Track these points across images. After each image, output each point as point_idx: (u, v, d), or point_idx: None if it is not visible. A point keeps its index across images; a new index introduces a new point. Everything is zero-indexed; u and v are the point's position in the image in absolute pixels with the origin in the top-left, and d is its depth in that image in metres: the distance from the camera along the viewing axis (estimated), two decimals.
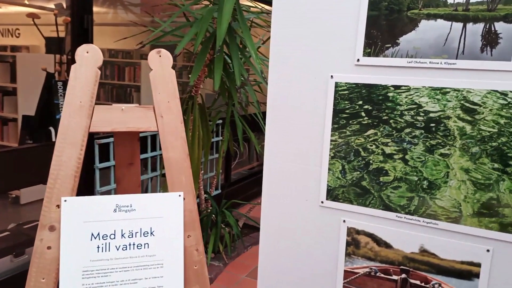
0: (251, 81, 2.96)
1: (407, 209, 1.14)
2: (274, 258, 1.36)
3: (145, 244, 1.16)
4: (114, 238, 1.14)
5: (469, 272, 1.10)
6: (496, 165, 1.03)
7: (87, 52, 1.18)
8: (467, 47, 1.02)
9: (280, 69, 1.26)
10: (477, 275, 1.09)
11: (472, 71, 1.02)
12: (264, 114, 3.52)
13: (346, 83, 1.16)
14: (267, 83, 2.72)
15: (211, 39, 2.60)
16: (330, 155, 1.21)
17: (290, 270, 1.33)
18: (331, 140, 1.20)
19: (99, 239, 1.13)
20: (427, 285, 1.16)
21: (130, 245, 1.16)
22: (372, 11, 1.11)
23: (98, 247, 1.12)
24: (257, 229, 4.01)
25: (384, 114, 1.13)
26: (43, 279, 1.10)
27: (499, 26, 0.99)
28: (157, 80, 1.22)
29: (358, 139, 1.17)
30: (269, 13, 3.53)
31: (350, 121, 1.17)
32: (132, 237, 1.16)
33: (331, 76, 1.18)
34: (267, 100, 1.29)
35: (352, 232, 1.22)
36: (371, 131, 1.15)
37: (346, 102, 1.17)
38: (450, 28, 1.03)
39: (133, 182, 1.45)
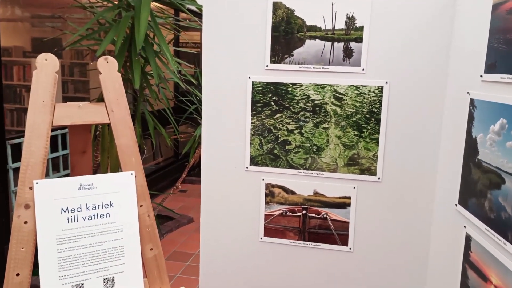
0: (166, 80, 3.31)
1: (304, 166, 1.70)
2: (213, 213, 1.82)
3: (106, 214, 1.39)
4: (81, 210, 1.35)
5: (344, 203, 1.70)
6: (355, 132, 1.63)
7: (46, 60, 1.46)
8: (335, 57, 1.60)
9: (212, 70, 1.72)
10: (349, 205, 1.70)
11: (338, 73, 1.61)
12: (173, 109, 3.89)
13: (259, 82, 1.67)
14: (181, 82, 3.11)
15: (127, 41, 2.91)
16: (251, 133, 1.71)
17: (226, 221, 1.81)
18: (251, 123, 1.71)
19: (68, 213, 1.33)
20: (319, 215, 1.74)
21: (94, 215, 1.36)
22: (274, 32, 1.63)
23: (67, 219, 1.33)
24: (170, 218, 4.38)
25: (286, 103, 1.67)
26: (23, 248, 1.27)
27: (353, 44, 1.58)
28: (106, 82, 1.52)
29: (270, 121, 1.69)
30: (172, 17, 3.89)
31: (264, 109, 1.69)
32: (95, 209, 1.37)
33: (249, 77, 1.68)
34: (202, 95, 1.74)
35: (269, 186, 1.75)
36: (278, 115, 1.68)
37: (260, 95, 1.68)
38: (324, 45, 1.60)
39: (86, 167, 1.76)
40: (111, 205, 1.43)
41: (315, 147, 1.68)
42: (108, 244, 1.40)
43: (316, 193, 1.71)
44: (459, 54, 1.44)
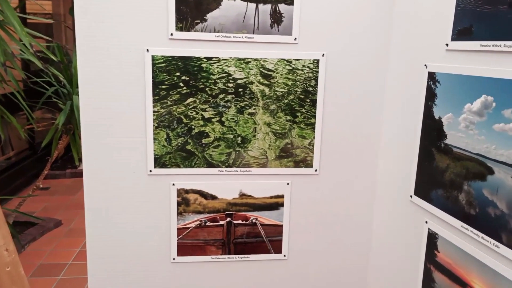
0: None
1: (227, 163, 1.34)
2: (105, 238, 1.35)
3: None
4: None
5: (276, 203, 1.40)
6: (288, 118, 1.33)
7: None
8: (261, 23, 1.25)
9: (90, 43, 1.21)
10: (282, 204, 1.40)
11: (265, 43, 1.27)
12: (26, 92, 3.10)
13: (162, 56, 1.23)
14: (36, 58, 2.41)
15: None
16: (154, 125, 1.28)
17: (123, 244, 1.36)
18: (154, 111, 1.27)
19: None
20: (247, 221, 1.41)
21: None
22: None
23: None
24: (32, 224, 3.59)
25: (201, 83, 1.27)
26: None
27: (282, 7, 1.25)
28: None
29: (179, 108, 1.28)
30: None
31: (170, 92, 1.26)
32: None
33: (147, 49, 1.23)
34: (79, 77, 1.23)
35: (182, 193, 1.35)
36: (190, 100, 1.28)
37: (164, 74, 1.25)
38: (247, 7, 1.24)
39: None
40: None
41: (239, 138, 1.32)
42: None
43: (242, 195, 1.38)
44: (412, 18, 1.22)
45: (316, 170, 1.38)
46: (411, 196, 1.23)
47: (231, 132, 1.31)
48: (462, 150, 1.03)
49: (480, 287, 0.99)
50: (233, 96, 1.29)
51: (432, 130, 1.13)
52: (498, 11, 0.90)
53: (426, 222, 1.17)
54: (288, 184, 1.38)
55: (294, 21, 1.26)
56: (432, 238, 1.15)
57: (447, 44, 1.06)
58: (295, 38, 1.27)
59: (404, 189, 1.26)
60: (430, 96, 1.13)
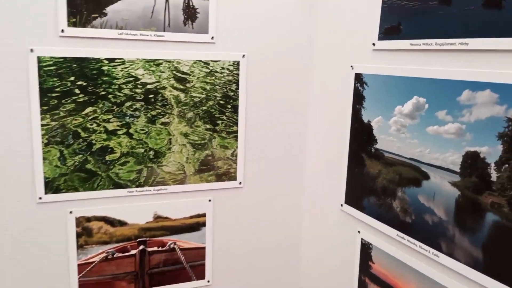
0: None
1: (138, 182, 1.15)
2: None
3: None
4: None
5: (197, 223, 1.24)
6: (208, 126, 1.18)
7: None
8: (172, 20, 1.09)
9: None
10: (203, 224, 1.25)
11: (178, 43, 1.11)
12: None
13: (51, 57, 1.01)
14: None
15: None
16: (43, 142, 1.04)
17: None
18: (43, 125, 1.04)
19: None
20: (164, 247, 1.23)
21: None
22: None
23: None
24: None
25: (102, 90, 1.07)
26: None
27: (196, 1, 1.11)
28: None
29: (76, 119, 1.06)
30: None
31: (63, 100, 1.04)
32: None
33: (31, 49, 0.99)
34: None
35: (82, 221, 1.12)
36: (89, 109, 1.07)
37: (54, 79, 1.02)
38: (155, 0, 1.07)
39: None
40: None
41: (152, 152, 1.15)
42: None
43: (158, 218, 1.20)
44: (338, 17, 1.15)
45: (240, 183, 1.25)
46: (341, 205, 1.16)
47: (141, 145, 1.13)
48: (394, 154, 0.97)
49: None
50: (143, 103, 1.11)
51: (361, 135, 1.07)
52: (427, 7, 0.86)
53: (359, 231, 1.10)
54: (210, 200, 1.24)
55: (211, 18, 1.12)
56: (365, 248, 1.08)
57: (374, 44, 1.01)
58: (212, 37, 1.13)
59: (334, 198, 1.19)
60: (358, 98, 1.07)
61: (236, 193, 1.26)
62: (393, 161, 0.98)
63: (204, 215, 1.24)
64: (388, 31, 0.96)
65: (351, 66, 1.08)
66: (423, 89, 0.89)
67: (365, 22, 1.02)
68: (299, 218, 1.34)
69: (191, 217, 1.23)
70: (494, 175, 0.76)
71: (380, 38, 0.99)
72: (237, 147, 1.22)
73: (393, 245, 0.99)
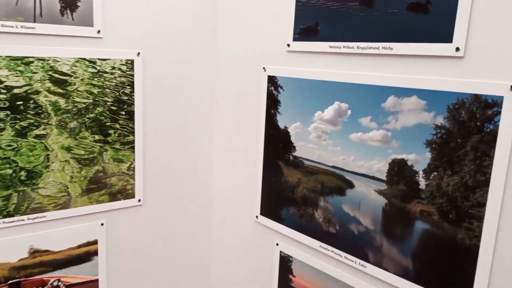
0: None
1: (6, 211, 0.90)
2: None
3: None
4: None
5: (87, 253, 1.04)
6: (97, 137, 0.98)
7: None
8: (45, 8, 0.86)
9: None
10: (96, 253, 1.05)
11: (55, 36, 0.89)
12: None
13: None
14: None
15: None
16: None
17: None
18: None
19: None
20: (47, 286, 1.00)
21: None
22: None
23: None
24: None
25: None
26: None
27: None
28: None
29: None
30: None
31: None
32: None
33: None
34: None
35: None
36: None
37: None
38: None
39: None
40: None
41: (23, 173, 0.90)
42: None
43: (35, 252, 0.96)
44: (250, 14, 1.05)
45: (139, 200, 1.08)
46: (256, 216, 1.07)
47: (8, 165, 0.88)
48: (315, 162, 0.92)
49: None
50: (8, 112, 0.86)
51: (277, 142, 0.99)
52: (347, 8, 0.82)
53: (277, 244, 1.03)
54: (102, 224, 1.04)
55: (95, 8, 0.92)
56: (285, 261, 1.02)
57: (288, 45, 0.93)
58: (99, 31, 0.93)
59: (248, 209, 1.10)
60: (273, 103, 0.99)
61: (134, 212, 1.08)
62: (314, 169, 0.92)
63: (95, 242, 1.04)
64: (305, 31, 0.90)
65: (264, 68, 0.99)
66: (345, 94, 0.84)
67: (278, 21, 0.94)
68: (208, 234, 1.22)
69: (79, 246, 1.02)
70: (422, 183, 0.74)
71: (295, 39, 0.92)
72: (134, 159, 1.04)
73: (316, 257, 0.94)
